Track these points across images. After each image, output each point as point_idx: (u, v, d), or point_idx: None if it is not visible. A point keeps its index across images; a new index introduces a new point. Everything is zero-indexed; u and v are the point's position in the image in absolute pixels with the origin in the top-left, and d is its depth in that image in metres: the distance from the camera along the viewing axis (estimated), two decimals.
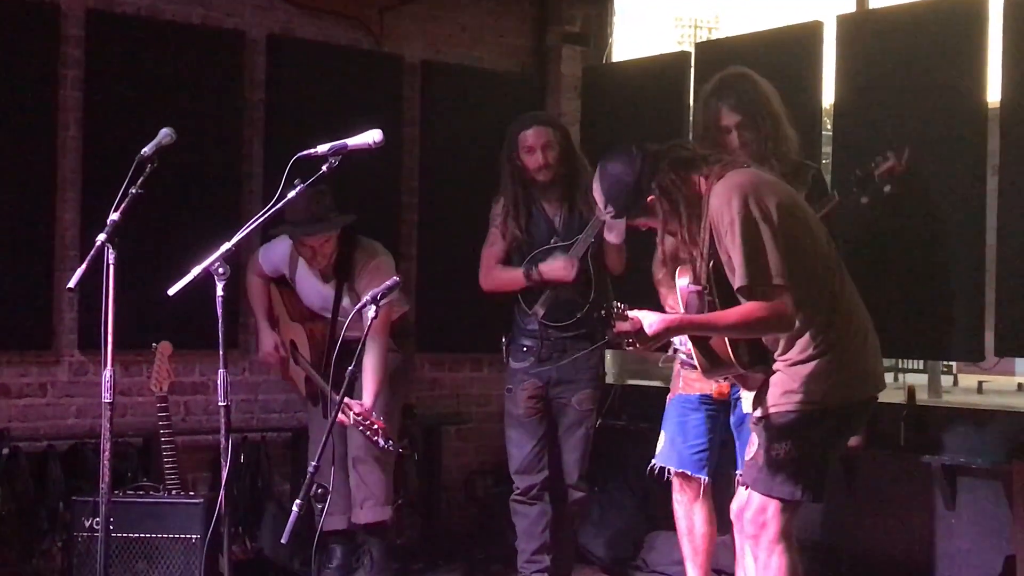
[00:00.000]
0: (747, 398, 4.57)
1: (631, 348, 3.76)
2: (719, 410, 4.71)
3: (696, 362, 3.90)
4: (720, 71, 4.69)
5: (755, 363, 3.76)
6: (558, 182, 5.17)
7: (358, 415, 4.69)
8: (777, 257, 3.52)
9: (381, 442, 4.42)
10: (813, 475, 3.65)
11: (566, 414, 5.23)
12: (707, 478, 4.70)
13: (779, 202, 3.59)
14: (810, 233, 3.65)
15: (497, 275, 5.24)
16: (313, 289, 5.24)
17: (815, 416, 3.63)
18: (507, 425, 5.36)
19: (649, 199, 3.76)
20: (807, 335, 3.63)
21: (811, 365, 3.63)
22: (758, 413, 3.75)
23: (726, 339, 3.72)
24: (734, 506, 3.88)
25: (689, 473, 4.70)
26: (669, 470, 4.73)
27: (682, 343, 4.67)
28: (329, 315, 5.18)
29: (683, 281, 3.92)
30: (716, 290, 3.67)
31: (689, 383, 4.75)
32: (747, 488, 3.77)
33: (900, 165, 4.70)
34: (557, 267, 5.07)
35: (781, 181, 3.83)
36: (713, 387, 4.68)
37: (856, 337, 3.66)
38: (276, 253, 5.27)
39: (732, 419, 4.67)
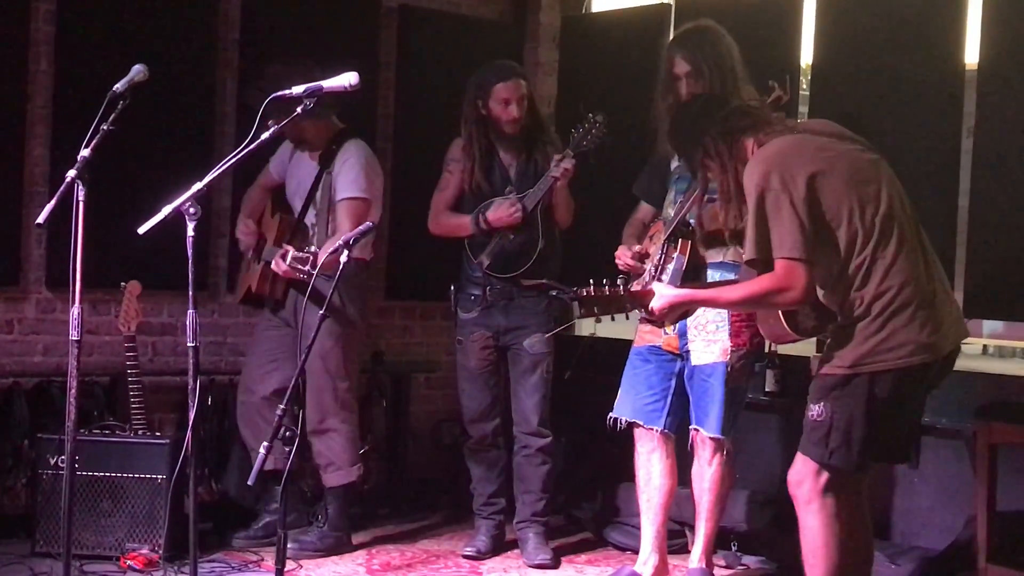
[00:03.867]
0: (696, 352, 4.62)
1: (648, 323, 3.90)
2: (673, 360, 4.73)
3: (760, 328, 3.98)
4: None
5: (823, 330, 3.76)
6: (520, 133, 5.18)
7: (295, 259, 4.49)
8: (795, 231, 3.50)
9: (309, 268, 4.31)
10: (841, 440, 3.58)
11: (520, 359, 5.26)
12: (662, 429, 4.73)
13: (813, 173, 3.55)
14: (849, 201, 3.55)
15: (445, 220, 5.32)
16: (298, 171, 5.26)
17: (844, 381, 3.58)
18: (460, 377, 5.42)
19: (697, 155, 3.85)
20: (846, 304, 3.59)
21: (847, 331, 3.59)
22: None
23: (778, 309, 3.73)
24: None
25: (642, 424, 4.74)
26: (623, 420, 4.77)
27: None
28: (300, 206, 5.21)
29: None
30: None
31: (641, 335, 4.81)
32: None
33: (786, 95, 4.70)
34: (502, 212, 5.11)
35: (837, 143, 3.72)
36: (662, 339, 4.71)
37: (894, 305, 3.54)
38: (287, 147, 5.29)
39: (685, 372, 4.70)
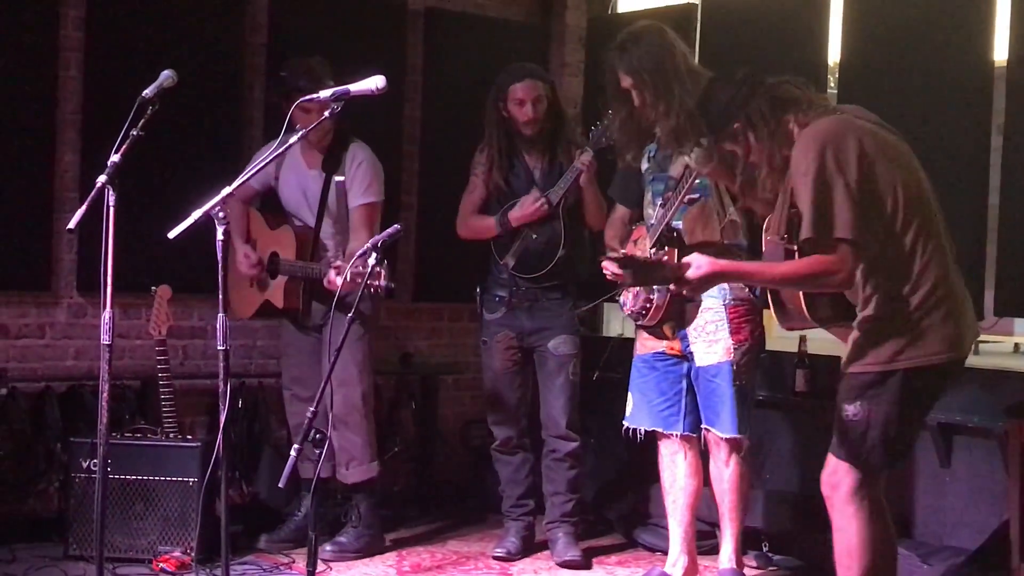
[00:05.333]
0: (699, 353, 4.59)
1: (674, 292, 3.83)
2: (680, 363, 4.71)
3: (772, 311, 3.89)
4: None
5: (837, 319, 3.70)
6: (542, 135, 5.20)
7: (355, 274, 4.14)
8: (847, 211, 3.44)
9: (383, 283, 4.05)
10: (879, 439, 3.54)
11: (545, 362, 5.26)
12: (682, 432, 4.71)
13: (863, 152, 3.49)
14: (894, 189, 3.52)
15: (472, 223, 5.34)
16: (297, 179, 5.17)
17: (879, 380, 3.53)
18: (485, 378, 5.44)
19: (735, 125, 3.72)
20: (880, 295, 3.54)
21: (881, 326, 3.53)
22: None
23: (800, 293, 3.67)
24: None
25: (662, 431, 4.73)
26: (642, 430, 4.77)
27: (623, 303, 4.70)
28: (310, 217, 5.15)
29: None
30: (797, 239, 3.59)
31: (643, 343, 4.79)
32: None
33: None
34: (526, 207, 5.12)
35: (879, 129, 3.66)
36: (664, 344, 4.68)
37: (931, 302, 3.50)
38: (267, 149, 5.11)
39: (692, 372, 4.69)
